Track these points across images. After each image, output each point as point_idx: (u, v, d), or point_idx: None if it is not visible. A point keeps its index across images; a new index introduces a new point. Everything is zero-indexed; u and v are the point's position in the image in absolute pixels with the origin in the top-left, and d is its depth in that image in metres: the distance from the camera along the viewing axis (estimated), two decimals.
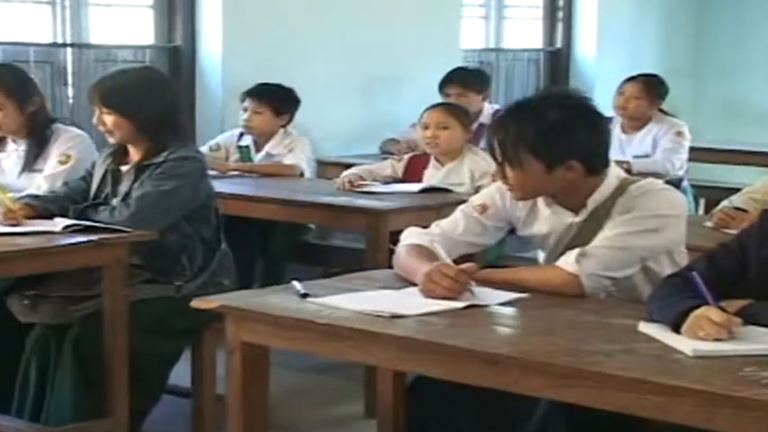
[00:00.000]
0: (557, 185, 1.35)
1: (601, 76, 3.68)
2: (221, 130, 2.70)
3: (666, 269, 1.36)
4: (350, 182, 2.28)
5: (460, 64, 3.17)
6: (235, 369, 1.27)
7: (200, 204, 1.78)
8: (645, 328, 1.16)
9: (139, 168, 1.76)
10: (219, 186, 1.99)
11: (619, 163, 1.56)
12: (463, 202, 1.49)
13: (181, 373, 1.82)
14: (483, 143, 2.29)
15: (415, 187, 2.25)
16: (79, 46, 2.70)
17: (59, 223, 1.69)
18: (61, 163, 1.95)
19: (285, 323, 1.23)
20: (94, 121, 1.80)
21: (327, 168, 2.82)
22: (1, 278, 1.69)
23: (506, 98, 3.57)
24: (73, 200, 1.80)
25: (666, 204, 1.36)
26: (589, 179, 1.36)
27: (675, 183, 2.47)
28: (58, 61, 2.66)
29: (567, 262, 1.33)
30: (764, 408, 0.95)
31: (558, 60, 3.84)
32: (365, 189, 2.25)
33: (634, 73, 2.88)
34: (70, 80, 2.67)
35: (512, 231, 1.48)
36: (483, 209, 1.43)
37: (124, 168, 1.79)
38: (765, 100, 4.10)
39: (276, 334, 1.24)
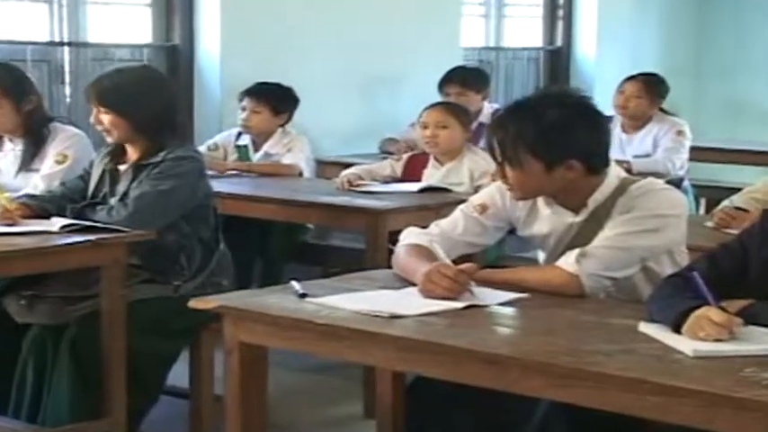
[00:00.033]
0: (557, 185, 1.35)
1: (601, 76, 3.67)
2: (219, 129, 2.70)
3: (667, 269, 1.35)
4: (349, 181, 2.28)
5: (460, 63, 3.16)
6: (233, 369, 1.27)
7: (199, 204, 1.78)
8: (645, 328, 1.15)
9: (137, 168, 1.76)
10: (218, 186, 1.99)
11: (619, 162, 1.56)
12: (463, 201, 1.49)
13: (179, 374, 1.81)
14: (483, 142, 2.28)
15: (415, 187, 2.25)
16: (76, 45, 2.69)
17: (57, 223, 1.69)
18: (58, 162, 1.94)
19: (284, 323, 1.22)
20: (92, 120, 1.80)
21: (326, 168, 2.82)
22: None
23: (506, 97, 3.56)
24: (70, 199, 1.79)
25: (667, 204, 1.36)
26: (589, 179, 1.36)
27: (676, 182, 2.47)
28: (55, 60, 2.66)
29: (567, 262, 1.33)
30: (765, 409, 0.95)
31: (558, 59, 3.83)
32: (364, 189, 2.24)
33: (634, 72, 2.87)
34: (67, 79, 2.66)
35: (511, 231, 1.48)
36: (483, 209, 1.43)
37: (122, 168, 1.79)
38: (766, 99, 4.09)
39: (274, 334, 1.24)
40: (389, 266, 1.44)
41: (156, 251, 1.72)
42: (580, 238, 1.36)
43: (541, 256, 1.46)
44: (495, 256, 2.21)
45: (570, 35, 3.83)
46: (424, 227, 1.44)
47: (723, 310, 1.11)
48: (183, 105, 2.55)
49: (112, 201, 1.75)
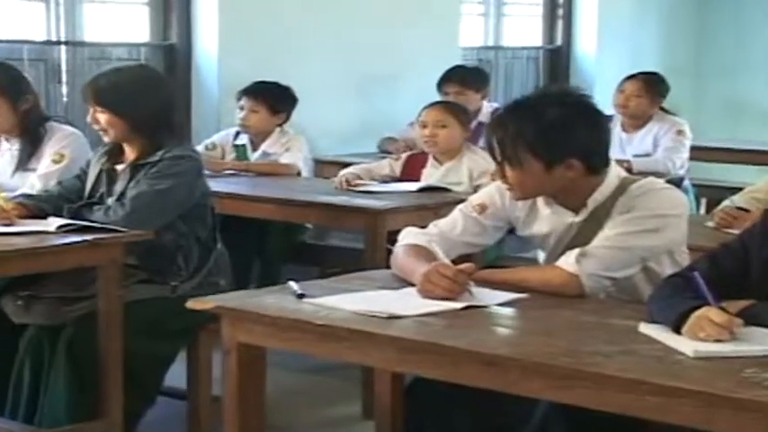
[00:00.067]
0: (556, 185, 1.35)
1: (601, 75, 3.67)
2: (217, 128, 2.69)
3: (667, 269, 1.35)
4: (347, 181, 2.27)
5: (459, 62, 3.15)
6: (231, 370, 1.27)
7: (196, 204, 1.77)
8: (645, 328, 1.15)
9: (135, 167, 1.75)
10: (215, 186, 1.98)
11: (619, 162, 1.56)
12: (462, 201, 1.48)
13: (176, 375, 1.81)
14: (482, 142, 2.28)
15: (414, 186, 2.24)
16: (73, 44, 2.68)
17: (53, 223, 1.68)
18: (55, 162, 1.93)
19: (282, 324, 1.22)
20: (88, 119, 1.79)
21: (325, 167, 2.81)
22: None
23: (505, 96, 3.56)
24: (67, 199, 1.78)
25: (667, 204, 1.35)
26: (589, 178, 1.35)
27: (676, 182, 2.46)
28: (52, 59, 2.65)
29: (567, 262, 1.32)
30: (765, 409, 0.95)
31: (557, 58, 3.82)
32: (363, 188, 2.23)
33: (635, 71, 2.86)
34: (64, 78, 2.65)
35: (511, 231, 1.47)
36: (482, 208, 1.42)
37: (119, 167, 1.78)
38: (766, 99, 4.09)
39: (273, 335, 1.23)
40: (388, 267, 1.44)
41: (153, 251, 1.71)
42: (580, 237, 1.35)
43: (541, 256, 1.46)
44: (495, 257, 2.21)
45: (570, 34, 3.82)
46: (422, 227, 1.44)
47: (723, 310, 1.11)
48: (180, 105, 2.55)
49: (109, 201, 1.75)
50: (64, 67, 2.65)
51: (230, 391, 1.27)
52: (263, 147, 2.53)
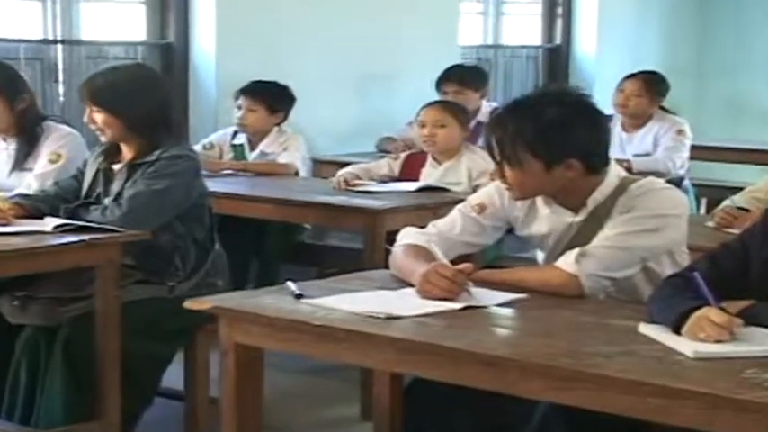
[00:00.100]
0: (556, 185, 1.34)
1: (601, 74, 3.66)
2: (215, 128, 2.68)
3: (667, 269, 1.34)
4: (346, 181, 2.26)
5: (458, 61, 3.14)
6: (228, 371, 1.26)
7: (194, 204, 1.77)
8: (645, 329, 1.15)
9: (132, 167, 1.74)
10: (213, 186, 1.98)
11: (619, 161, 1.56)
12: (461, 201, 1.48)
13: (174, 376, 1.80)
14: (481, 141, 2.27)
15: (412, 186, 2.24)
16: (70, 42, 2.67)
17: (50, 223, 1.67)
18: (52, 162, 1.92)
19: (279, 324, 1.21)
20: (85, 119, 1.78)
21: (323, 167, 2.80)
22: None
23: (505, 96, 3.55)
24: (64, 199, 1.77)
25: (667, 204, 1.35)
26: (589, 178, 1.35)
27: (676, 182, 2.46)
28: (48, 58, 2.64)
29: (567, 262, 1.32)
30: (766, 410, 0.95)
31: (557, 57, 3.81)
32: (361, 188, 2.23)
33: (635, 70, 2.86)
34: (61, 77, 2.64)
35: (510, 231, 1.47)
36: (481, 208, 1.42)
37: (116, 167, 1.77)
38: (767, 98, 4.08)
39: (270, 335, 1.23)
40: (387, 267, 1.43)
41: (150, 251, 1.70)
42: (580, 237, 1.35)
43: (540, 256, 1.45)
44: (494, 257, 2.20)
45: (569, 33, 3.81)
46: (421, 227, 1.43)
47: (724, 310, 1.10)
48: (177, 104, 2.54)
49: (106, 200, 1.74)
50: (60, 66, 2.64)
51: (228, 392, 1.27)
52: (261, 146, 2.52)
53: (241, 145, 2.54)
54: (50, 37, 2.64)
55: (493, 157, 1.36)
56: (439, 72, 2.87)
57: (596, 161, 1.34)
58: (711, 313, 1.09)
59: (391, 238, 1.50)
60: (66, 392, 1.64)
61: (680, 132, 2.74)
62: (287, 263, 2.47)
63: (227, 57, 2.77)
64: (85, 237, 1.61)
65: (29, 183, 1.92)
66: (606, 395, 1.02)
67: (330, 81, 3.00)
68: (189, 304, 1.29)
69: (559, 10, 3.81)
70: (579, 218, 1.37)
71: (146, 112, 1.73)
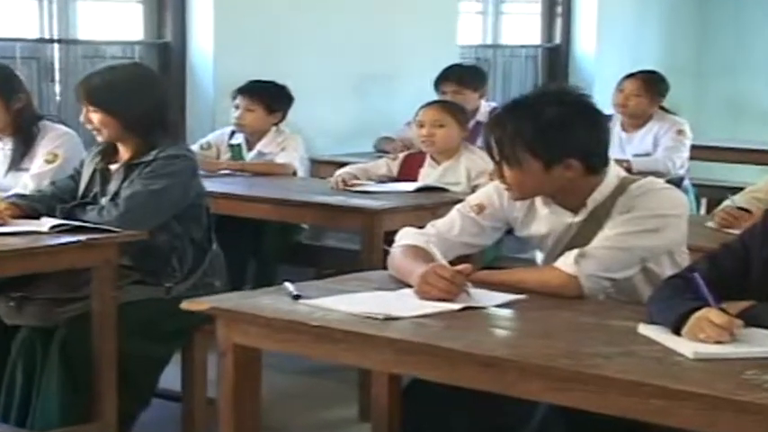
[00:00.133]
0: (555, 185, 1.34)
1: (601, 74, 3.65)
2: (212, 128, 2.67)
3: (667, 270, 1.34)
4: (344, 181, 2.25)
5: (457, 60, 3.14)
6: (226, 372, 1.26)
7: (191, 204, 1.76)
8: (645, 330, 1.14)
9: (129, 167, 1.74)
10: (210, 186, 1.97)
11: (619, 161, 1.56)
12: (460, 201, 1.47)
13: (171, 377, 1.79)
14: (480, 141, 2.26)
15: (411, 186, 2.23)
16: (66, 42, 2.66)
17: (46, 223, 1.66)
18: (48, 162, 1.92)
19: (277, 325, 1.21)
20: (81, 119, 1.77)
21: (321, 167, 2.79)
22: None
23: (504, 95, 3.54)
24: (60, 199, 1.77)
25: (667, 204, 1.35)
26: (588, 178, 1.34)
27: (676, 182, 2.45)
28: (44, 57, 2.63)
29: (566, 263, 1.31)
30: (766, 412, 0.94)
31: (556, 57, 3.80)
32: (359, 188, 2.22)
33: (635, 70, 2.85)
34: (57, 77, 2.63)
35: (509, 232, 1.46)
36: (480, 209, 1.41)
37: (113, 167, 1.77)
38: (767, 98, 4.07)
39: (268, 336, 1.23)
40: (385, 267, 1.42)
41: (147, 252, 1.70)
42: (579, 238, 1.34)
43: (539, 256, 1.45)
44: (493, 257, 2.20)
45: (569, 32, 3.81)
46: (420, 227, 1.43)
47: (724, 311, 1.10)
48: (175, 103, 2.54)
49: (103, 201, 1.73)
50: (57, 66, 2.63)
51: (225, 394, 1.26)
52: (259, 146, 2.52)
53: (239, 145, 2.53)
54: (47, 36, 2.62)
55: (492, 157, 1.36)
56: (438, 72, 2.86)
57: (596, 161, 1.34)
58: (711, 314, 1.09)
59: (389, 238, 1.50)
60: (63, 394, 1.63)
61: (680, 132, 2.73)
62: (285, 263, 2.46)
63: (224, 56, 2.76)
64: (82, 237, 1.60)
65: (25, 183, 1.91)
66: (605, 396, 1.01)
67: (328, 81, 2.99)
68: (186, 305, 1.29)
69: (559, 9, 3.80)
70: (578, 218, 1.36)
71: (143, 111, 1.72)
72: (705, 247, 1.45)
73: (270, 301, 1.25)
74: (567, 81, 3.66)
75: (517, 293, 1.29)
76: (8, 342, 1.71)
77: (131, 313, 1.66)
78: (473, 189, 2.06)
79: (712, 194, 2.82)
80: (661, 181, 1.41)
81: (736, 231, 1.56)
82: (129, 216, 1.67)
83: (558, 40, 3.82)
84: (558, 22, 3.80)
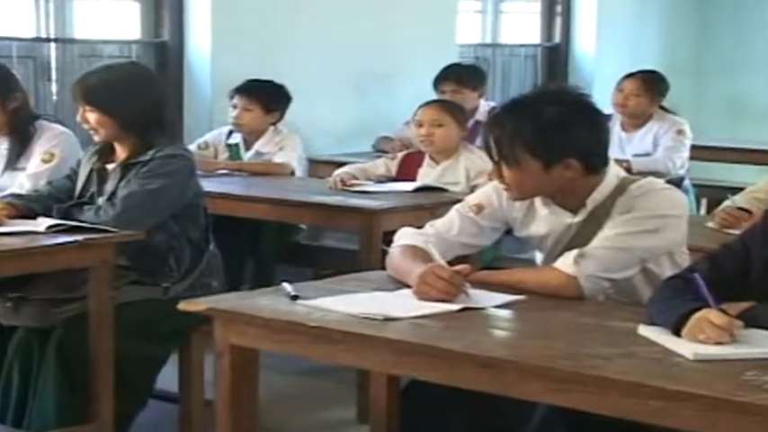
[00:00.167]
0: (555, 185, 1.33)
1: (600, 73, 3.64)
2: (210, 127, 2.66)
3: (667, 270, 1.34)
4: (342, 181, 2.25)
5: (456, 60, 3.13)
6: (223, 373, 1.25)
7: (188, 204, 1.75)
8: (644, 330, 1.14)
9: (126, 167, 1.73)
10: (208, 185, 1.96)
11: (618, 162, 1.56)
12: (458, 201, 1.47)
13: (168, 377, 1.79)
14: (479, 141, 2.25)
15: (410, 186, 2.22)
16: (63, 41, 2.65)
17: (43, 223, 1.66)
18: (45, 161, 1.91)
19: (275, 326, 1.20)
20: (78, 118, 1.77)
21: (319, 167, 2.79)
22: None
23: (503, 95, 3.53)
24: (57, 199, 1.76)
25: (667, 204, 1.34)
26: (588, 178, 1.34)
27: (676, 182, 2.45)
28: (41, 56, 2.62)
29: (566, 263, 1.31)
30: (766, 413, 0.94)
31: (556, 56, 3.80)
32: (358, 188, 2.21)
33: (634, 69, 2.84)
34: (54, 76, 2.62)
35: (508, 232, 1.46)
36: (479, 209, 1.40)
37: (110, 167, 1.76)
38: (767, 98, 4.06)
39: (266, 337, 1.22)
40: (383, 268, 1.42)
41: (144, 252, 1.69)
42: (579, 238, 1.34)
43: (539, 257, 1.44)
44: (492, 258, 2.20)
45: (569, 31, 3.80)
46: (418, 227, 1.42)
47: (724, 312, 1.10)
48: (172, 103, 2.53)
49: (100, 200, 1.73)
50: (53, 65, 2.61)
51: (223, 394, 1.26)
52: (257, 146, 2.51)
53: (236, 144, 2.52)
54: (43, 35, 2.61)
55: (491, 157, 1.35)
56: (437, 71, 2.85)
57: (595, 161, 1.33)
58: (711, 315, 1.08)
59: (388, 238, 1.49)
60: (60, 394, 1.62)
61: (680, 132, 2.72)
62: (283, 264, 2.45)
63: (222, 55, 2.75)
64: (79, 237, 1.59)
65: (21, 182, 1.90)
66: (605, 397, 1.01)
67: (327, 80, 2.98)
68: (183, 305, 1.28)
69: (558, 8, 3.79)
70: (578, 218, 1.36)
71: (140, 111, 1.71)
72: (705, 248, 1.44)
73: (268, 302, 1.25)
74: (566, 80, 3.65)
75: (516, 294, 1.28)
76: (5, 342, 1.70)
77: (128, 313, 1.66)
78: (472, 189, 2.05)
79: (712, 195, 2.81)
80: (661, 181, 1.40)
81: (737, 232, 1.56)
82: (125, 216, 1.66)
83: (557, 39, 3.81)
84: (558, 22, 3.79)
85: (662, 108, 2.80)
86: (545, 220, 1.38)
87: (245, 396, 1.26)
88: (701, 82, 4.11)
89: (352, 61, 3.04)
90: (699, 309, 1.10)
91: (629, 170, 1.73)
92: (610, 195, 1.34)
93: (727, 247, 1.25)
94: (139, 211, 1.67)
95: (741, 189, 1.93)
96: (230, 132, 2.54)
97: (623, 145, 2.75)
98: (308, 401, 2.08)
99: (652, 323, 1.14)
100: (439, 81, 2.83)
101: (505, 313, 1.23)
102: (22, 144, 1.93)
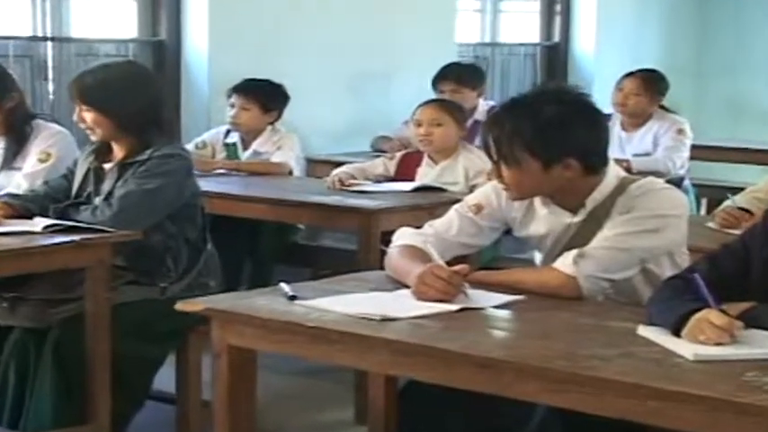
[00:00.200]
0: (554, 185, 1.33)
1: (600, 72, 3.63)
2: (207, 127, 2.65)
3: (667, 271, 1.33)
4: (340, 180, 2.24)
5: (455, 59, 3.12)
6: (221, 373, 1.25)
7: (186, 204, 1.75)
8: (644, 331, 1.13)
9: (123, 166, 1.72)
10: (206, 185, 1.95)
11: (618, 161, 1.56)
12: (457, 201, 1.46)
13: (165, 378, 1.78)
14: (478, 141, 2.24)
15: (408, 186, 2.22)
16: (60, 40, 2.64)
17: (39, 223, 1.65)
18: (41, 161, 1.90)
19: (273, 326, 1.20)
20: (75, 118, 1.76)
21: (317, 167, 2.78)
22: None
23: (502, 94, 3.53)
24: (54, 199, 1.75)
25: (667, 204, 1.34)
26: (587, 178, 1.33)
27: (676, 182, 2.44)
28: (38, 55, 2.61)
29: (565, 263, 1.31)
30: (766, 414, 0.93)
31: (555, 55, 3.79)
32: (356, 188, 2.21)
33: (634, 69, 2.83)
34: (51, 75, 2.61)
35: (507, 232, 1.45)
36: (478, 209, 1.40)
37: (107, 166, 1.75)
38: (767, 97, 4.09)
39: (263, 337, 1.22)
40: (382, 268, 1.42)
41: (141, 252, 1.68)
42: (578, 238, 1.33)
43: (538, 257, 1.44)
44: (491, 258, 2.19)
45: (568, 30, 3.79)
46: (417, 227, 1.42)
47: (724, 312, 1.09)
48: (169, 102, 2.51)
49: (97, 200, 1.72)
50: (50, 64, 2.60)
51: (220, 395, 1.25)
52: (254, 145, 2.50)
53: (234, 144, 2.51)
54: (40, 34, 2.60)
55: (490, 157, 1.35)
56: (435, 70, 2.84)
57: (595, 161, 1.33)
58: (712, 315, 1.08)
59: (386, 238, 1.49)
60: (56, 395, 1.62)
61: (680, 132, 2.72)
62: (280, 264, 2.44)
63: (219, 54, 2.74)
64: (76, 237, 1.59)
65: (18, 182, 1.89)
66: (604, 398, 1.00)
67: (325, 79, 2.97)
68: (181, 306, 1.28)
69: (558, 7, 3.78)
70: (578, 218, 1.35)
71: (137, 110, 1.71)
72: (705, 248, 1.44)
73: (265, 302, 1.24)
74: (566, 80, 3.64)
75: (515, 294, 1.28)
76: (1, 343, 1.69)
77: (125, 314, 1.65)
78: (471, 189, 2.05)
79: (713, 195, 2.80)
80: (661, 181, 1.40)
81: (737, 232, 1.56)
82: (122, 216, 1.66)
83: (557, 38, 3.80)
84: (557, 21, 3.78)
85: (662, 107, 2.79)
86: (544, 219, 1.37)
87: (242, 397, 1.25)
88: (702, 82, 4.11)
89: (350, 60, 3.04)
90: (699, 309, 1.09)
91: (628, 170, 1.74)
92: (609, 195, 1.33)
93: (728, 248, 1.25)
94: (136, 211, 1.67)
95: (741, 189, 1.93)
96: (228, 132, 2.53)
97: (623, 144, 2.75)
98: (306, 402, 2.08)
99: (651, 323, 1.14)
100: (438, 80, 2.82)
101: (504, 313, 1.23)
102: (18, 143, 1.92)
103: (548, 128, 1.29)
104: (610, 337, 1.12)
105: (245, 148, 2.51)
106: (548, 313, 1.23)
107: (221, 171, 2.41)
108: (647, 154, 2.72)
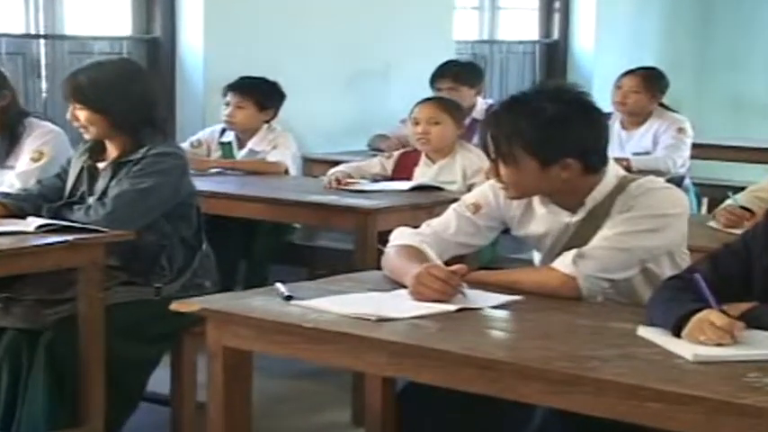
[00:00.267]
0: (552, 184, 1.32)
1: (599, 70, 3.62)
2: (202, 125, 2.64)
3: (667, 271, 1.33)
4: (337, 180, 2.23)
5: (453, 57, 3.12)
6: (216, 375, 1.24)
7: (181, 203, 1.74)
8: (644, 332, 1.13)
9: (117, 165, 1.71)
10: (201, 184, 1.94)
11: (618, 160, 1.55)
12: (455, 200, 1.46)
13: (159, 380, 1.77)
14: (476, 139, 2.26)
15: (406, 185, 2.21)
16: (53, 37, 2.62)
17: (32, 223, 1.64)
18: (34, 160, 1.89)
19: (268, 327, 1.19)
20: (68, 116, 1.74)
21: (313, 166, 2.77)
22: None
23: (500, 92, 3.52)
24: (47, 198, 1.74)
25: (667, 203, 1.33)
26: (587, 177, 1.32)
27: (677, 181, 2.44)
28: (30, 53, 2.59)
29: (564, 263, 1.30)
30: (767, 415, 0.92)
31: (554, 53, 3.77)
32: (353, 187, 2.20)
33: (634, 66, 2.82)
34: (44, 73, 2.59)
35: (506, 231, 1.44)
36: (476, 208, 1.39)
37: (101, 165, 1.74)
38: None
39: (259, 338, 1.21)
40: (379, 268, 1.41)
41: (135, 252, 1.67)
42: (577, 238, 1.33)
43: (537, 257, 1.43)
44: (489, 258, 2.19)
45: (567, 28, 3.77)
46: (415, 227, 1.41)
47: (725, 313, 1.09)
48: (164, 101, 2.48)
49: (91, 200, 1.71)
50: (43, 62, 2.59)
51: (215, 397, 1.24)
52: (250, 144, 2.49)
53: (229, 143, 2.50)
54: (33, 31, 2.58)
55: (488, 155, 1.34)
56: (433, 68, 2.83)
57: (594, 160, 1.32)
58: (712, 316, 1.07)
59: (384, 238, 1.48)
60: (49, 397, 1.60)
61: (680, 130, 2.71)
62: (276, 264, 2.43)
63: (214, 52, 2.73)
64: (69, 237, 1.57)
65: (11, 181, 1.88)
66: (604, 399, 1.00)
67: (321, 77, 2.96)
68: (176, 306, 1.27)
69: (557, 4, 3.77)
70: (577, 218, 1.35)
71: (131, 108, 1.69)
72: (706, 248, 1.43)
73: (261, 303, 1.24)
74: (565, 78, 3.63)
75: (514, 294, 1.27)
76: None
77: (119, 315, 1.64)
78: (469, 188, 2.04)
79: (713, 194, 2.78)
80: (661, 180, 1.39)
81: (738, 231, 1.55)
82: (116, 215, 1.64)
83: (555, 35, 3.78)
84: (556, 18, 3.77)
85: (662, 105, 2.78)
86: (543, 219, 1.37)
87: (238, 399, 1.25)
88: (703, 79, 4.08)
89: (347, 58, 3.02)
90: (699, 309, 1.09)
91: (628, 169, 1.73)
92: (609, 194, 1.33)
93: (729, 248, 1.24)
94: (130, 211, 1.65)
95: (743, 188, 1.91)
96: (223, 130, 2.52)
97: (623, 143, 2.74)
98: (303, 404, 2.07)
99: (652, 324, 1.14)
100: (436, 78, 2.81)
101: (503, 314, 1.22)
102: (11, 142, 1.91)
103: (547, 127, 1.28)
104: (609, 338, 1.11)
105: (241, 146, 2.49)
106: (546, 314, 1.22)
107: (216, 170, 2.40)
108: (647, 153, 2.71)
